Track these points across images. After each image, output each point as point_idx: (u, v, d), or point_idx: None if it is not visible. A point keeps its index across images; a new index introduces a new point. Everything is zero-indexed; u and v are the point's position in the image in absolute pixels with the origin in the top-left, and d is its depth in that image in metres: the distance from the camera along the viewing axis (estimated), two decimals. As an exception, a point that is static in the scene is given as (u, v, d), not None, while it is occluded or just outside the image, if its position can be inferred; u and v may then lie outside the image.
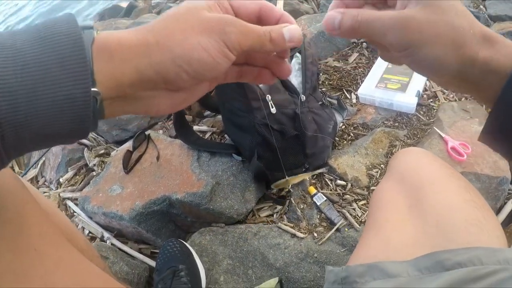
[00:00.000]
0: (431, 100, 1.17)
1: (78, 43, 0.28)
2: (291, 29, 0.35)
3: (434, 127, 1.05)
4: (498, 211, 0.97)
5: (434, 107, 1.14)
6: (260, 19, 0.37)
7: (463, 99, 1.17)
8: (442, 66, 0.33)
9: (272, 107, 0.86)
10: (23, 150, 0.29)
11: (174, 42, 0.31)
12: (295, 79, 0.96)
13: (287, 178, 0.66)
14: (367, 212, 0.91)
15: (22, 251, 0.34)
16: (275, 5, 1.33)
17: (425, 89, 1.21)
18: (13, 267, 0.33)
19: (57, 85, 0.27)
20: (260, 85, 0.87)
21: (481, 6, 1.64)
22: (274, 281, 0.79)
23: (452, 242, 0.43)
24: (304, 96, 0.91)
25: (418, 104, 1.13)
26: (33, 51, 0.27)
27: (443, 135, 1.01)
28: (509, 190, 1.01)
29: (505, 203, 0.99)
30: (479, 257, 0.38)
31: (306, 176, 0.71)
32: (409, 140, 1.06)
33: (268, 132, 0.86)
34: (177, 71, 0.31)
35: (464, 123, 1.05)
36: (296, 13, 1.55)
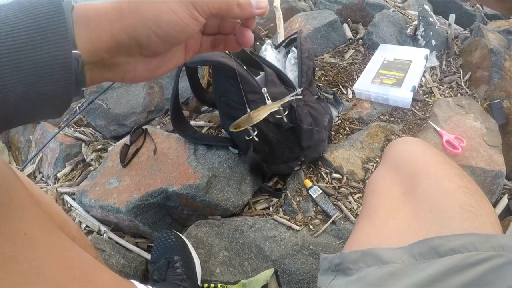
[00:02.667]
0: (427, 95, 1.17)
1: (58, 9, 0.29)
2: None
3: (430, 121, 1.05)
4: (493, 206, 0.97)
5: (430, 103, 1.15)
6: None
7: (458, 95, 1.18)
8: None
9: (268, 100, 0.86)
10: (10, 118, 0.29)
11: (145, 6, 0.32)
12: (291, 73, 0.97)
13: (248, 112, 0.60)
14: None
15: (12, 235, 0.34)
16: (273, 3, 1.35)
17: (420, 85, 1.21)
18: (2, 250, 0.33)
19: (39, 48, 0.28)
20: (256, 78, 0.87)
21: (478, 5, 1.66)
22: (270, 271, 0.80)
23: (446, 228, 0.43)
24: (299, 90, 0.91)
25: (414, 100, 1.14)
26: (17, 19, 0.28)
27: (438, 129, 1.02)
28: (504, 185, 1.01)
29: (500, 198, 1.00)
30: (473, 243, 0.38)
31: (272, 107, 0.65)
32: (404, 135, 1.06)
33: (264, 124, 0.86)
34: (148, 33, 0.33)
35: (459, 118, 1.06)
36: (293, 10, 1.56)
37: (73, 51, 0.29)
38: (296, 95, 0.90)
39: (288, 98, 0.64)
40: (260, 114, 0.65)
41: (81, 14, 0.31)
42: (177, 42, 0.36)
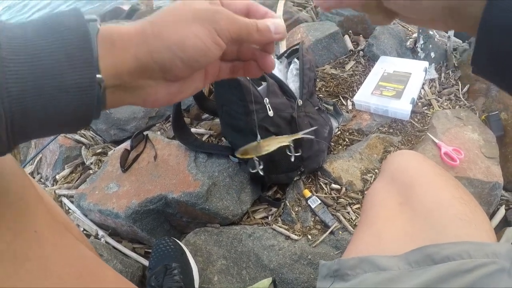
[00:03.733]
0: (426, 107, 1.19)
1: (85, 36, 0.30)
2: (276, 22, 0.39)
3: (428, 133, 1.07)
4: (491, 217, 0.98)
5: (428, 115, 1.16)
6: (247, 16, 0.40)
7: (457, 107, 1.20)
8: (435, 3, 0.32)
9: (270, 110, 0.87)
10: (29, 136, 0.30)
11: (169, 31, 0.33)
12: (293, 84, 0.98)
13: (258, 140, 0.59)
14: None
15: (22, 232, 0.35)
16: (277, 6, 1.36)
17: (419, 97, 1.23)
18: (13, 247, 0.34)
19: (65, 75, 0.28)
20: (259, 89, 0.88)
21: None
22: (267, 281, 0.80)
23: (441, 236, 0.44)
24: (301, 101, 0.92)
25: (413, 111, 1.15)
26: (44, 42, 0.28)
27: (436, 141, 1.03)
28: (501, 196, 1.02)
29: (497, 209, 1.01)
30: (468, 250, 0.40)
31: (283, 140, 0.64)
32: (403, 146, 1.08)
33: (265, 134, 0.87)
34: (172, 58, 0.34)
35: (457, 130, 1.08)
36: (295, 21, 1.58)
37: (97, 76, 0.30)
38: (297, 105, 0.91)
39: (300, 135, 0.65)
40: (270, 146, 0.63)
41: (105, 37, 0.31)
42: (199, 67, 0.37)
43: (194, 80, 0.40)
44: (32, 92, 0.27)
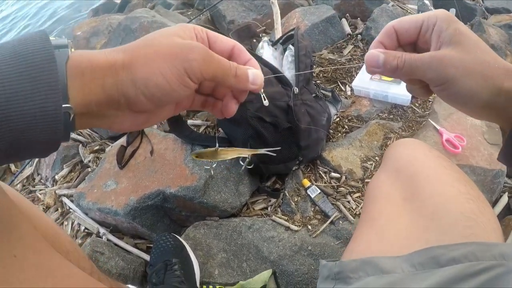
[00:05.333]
0: (427, 91, 1.16)
1: (50, 59, 0.29)
2: (255, 73, 0.38)
3: (429, 120, 1.04)
4: (494, 204, 0.96)
5: (430, 100, 1.13)
6: (230, 57, 0.39)
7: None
8: (473, 96, 0.36)
9: (265, 100, 0.85)
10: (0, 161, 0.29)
11: (138, 64, 0.33)
12: (288, 71, 0.95)
13: (217, 147, 0.58)
14: (362, 204, 0.91)
15: (2, 257, 0.34)
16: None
17: (420, 81, 1.20)
18: None
19: (29, 99, 0.28)
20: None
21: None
22: (268, 273, 0.79)
23: (447, 235, 0.43)
24: (297, 89, 0.90)
25: (413, 96, 1.12)
26: (8, 68, 0.28)
27: (438, 127, 1.00)
28: (504, 183, 1.01)
29: (500, 196, 0.99)
30: (474, 252, 0.38)
31: (243, 153, 0.65)
32: (403, 133, 1.05)
33: (260, 125, 0.85)
34: (136, 92, 0.33)
35: (459, 116, 1.05)
36: (290, 6, 1.54)
37: (65, 105, 0.29)
38: (293, 94, 0.89)
39: (261, 151, 0.64)
40: (228, 155, 0.64)
41: (75, 66, 0.31)
42: (163, 104, 0.36)
43: (162, 111, 0.39)
44: None
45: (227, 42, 0.39)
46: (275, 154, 0.59)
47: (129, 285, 0.68)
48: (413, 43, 0.41)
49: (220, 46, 0.39)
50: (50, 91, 0.28)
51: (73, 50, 0.32)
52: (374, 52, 0.40)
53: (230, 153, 0.64)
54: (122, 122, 0.36)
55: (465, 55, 0.36)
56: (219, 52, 0.37)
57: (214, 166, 0.94)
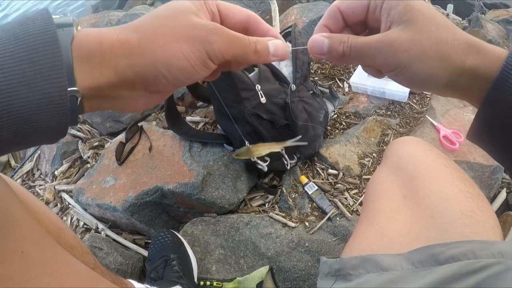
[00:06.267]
0: (425, 88, 1.16)
1: (52, 41, 0.27)
2: (277, 43, 0.36)
3: (427, 116, 1.04)
4: (492, 200, 0.97)
5: (427, 96, 1.13)
6: (246, 30, 0.37)
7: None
8: (430, 79, 0.34)
9: (262, 97, 0.85)
10: (4, 149, 0.28)
11: (157, 46, 0.31)
12: (286, 68, 0.95)
13: (248, 145, 0.58)
14: (359, 201, 0.91)
15: (8, 255, 0.33)
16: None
17: (418, 77, 1.20)
18: None
19: (32, 85, 0.26)
20: (250, 75, 0.86)
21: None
22: (265, 269, 0.80)
23: (447, 234, 0.43)
24: (294, 86, 0.90)
25: (411, 93, 1.12)
26: (8, 53, 0.26)
27: (435, 123, 1.01)
28: (502, 179, 1.01)
29: (499, 192, 0.99)
30: (473, 250, 0.38)
31: (274, 148, 0.67)
32: (401, 129, 1.05)
33: (258, 122, 0.86)
34: (156, 75, 0.32)
35: (457, 111, 1.05)
36: (288, 2, 1.54)
37: (72, 88, 0.28)
38: (291, 90, 0.89)
39: (289, 143, 0.66)
40: (260, 151, 0.67)
41: (81, 47, 0.29)
42: (183, 85, 0.35)
43: (175, 89, 0.38)
44: (0, 108, 0.25)
45: (239, 13, 0.37)
46: (306, 143, 0.58)
47: (130, 280, 0.69)
48: (363, 21, 0.37)
49: (232, 19, 0.36)
50: (54, 75, 0.27)
51: (79, 28, 0.30)
52: (317, 37, 0.36)
53: (262, 149, 0.69)
54: (137, 103, 0.35)
55: (417, 35, 0.32)
56: (232, 26, 0.35)
57: (211, 163, 0.94)
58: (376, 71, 0.37)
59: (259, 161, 0.86)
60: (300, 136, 0.60)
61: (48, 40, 0.27)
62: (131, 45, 0.30)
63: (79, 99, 0.29)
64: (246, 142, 0.59)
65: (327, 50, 0.35)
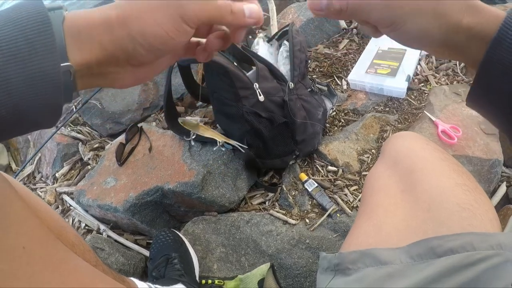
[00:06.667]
0: (422, 84, 1.16)
1: (45, 21, 0.29)
2: (251, 7, 0.37)
3: (425, 111, 1.04)
4: (491, 194, 0.97)
5: (426, 91, 1.14)
6: None
7: (454, 82, 1.17)
8: (425, 36, 0.34)
9: (260, 95, 0.86)
10: (4, 133, 0.30)
11: (132, 17, 0.32)
12: (284, 67, 0.96)
13: (199, 122, 0.64)
14: (359, 197, 0.92)
15: (10, 251, 0.34)
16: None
17: (416, 74, 1.20)
18: (0, 267, 0.33)
19: (27, 61, 0.28)
20: (248, 74, 0.87)
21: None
22: (266, 266, 0.80)
23: (444, 227, 0.43)
24: (292, 84, 0.91)
25: (409, 89, 1.13)
26: (3, 33, 0.28)
27: (433, 118, 1.01)
28: (502, 172, 1.01)
29: (498, 186, 0.99)
30: (472, 242, 0.38)
31: (218, 137, 0.70)
32: (400, 125, 1.06)
33: (256, 120, 0.86)
34: (134, 45, 0.33)
35: (455, 107, 1.05)
36: (286, 2, 1.54)
37: (65, 64, 0.30)
38: (289, 88, 0.90)
39: (233, 143, 0.71)
40: (206, 132, 0.76)
41: (71, 25, 0.31)
42: (163, 54, 0.36)
43: (161, 61, 0.39)
44: None
45: None
46: (243, 151, 0.63)
47: (132, 279, 0.69)
48: None
49: None
50: (47, 51, 0.29)
51: (67, 12, 0.32)
52: None
53: (208, 132, 0.77)
54: (124, 78, 0.36)
55: None
56: None
57: (211, 162, 0.95)
58: (373, 29, 0.38)
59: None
60: (242, 145, 0.67)
61: (40, 20, 0.29)
62: (111, 20, 0.32)
63: (72, 74, 0.31)
64: (198, 120, 0.66)
65: (325, 6, 0.36)
